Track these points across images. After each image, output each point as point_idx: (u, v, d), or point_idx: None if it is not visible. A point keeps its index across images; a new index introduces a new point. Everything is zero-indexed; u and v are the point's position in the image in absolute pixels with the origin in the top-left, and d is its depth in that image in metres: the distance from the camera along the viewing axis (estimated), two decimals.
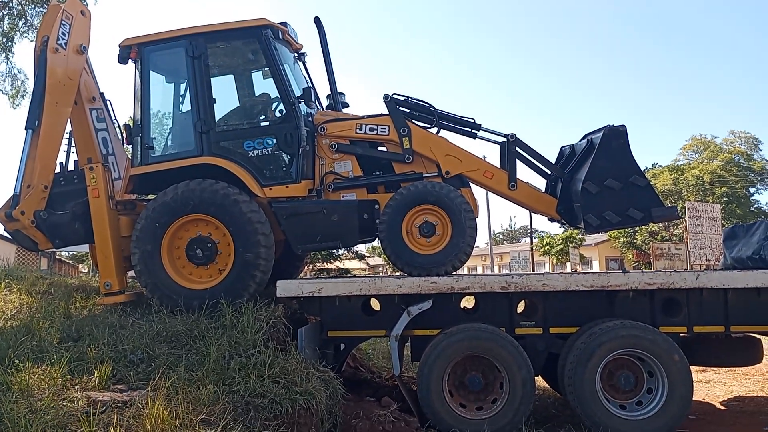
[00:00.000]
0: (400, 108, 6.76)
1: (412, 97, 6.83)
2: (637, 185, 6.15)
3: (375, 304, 6.43)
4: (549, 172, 6.91)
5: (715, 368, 8.39)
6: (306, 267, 11.36)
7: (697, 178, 42.70)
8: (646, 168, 49.63)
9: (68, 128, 7.42)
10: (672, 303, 6.04)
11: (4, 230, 7.13)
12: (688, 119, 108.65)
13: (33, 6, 16.91)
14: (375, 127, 6.73)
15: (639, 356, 5.73)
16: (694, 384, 5.81)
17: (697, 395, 7.21)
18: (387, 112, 6.73)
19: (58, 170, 7.07)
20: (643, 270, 17.16)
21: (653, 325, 5.85)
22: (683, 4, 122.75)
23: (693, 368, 5.83)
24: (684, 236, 19.65)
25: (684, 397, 5.58)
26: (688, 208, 16.93)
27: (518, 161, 6.77)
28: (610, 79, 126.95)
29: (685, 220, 17.09)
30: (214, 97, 6.57)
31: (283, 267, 7.29)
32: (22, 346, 5.01)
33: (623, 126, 6.21)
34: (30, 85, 17.21)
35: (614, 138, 6.16)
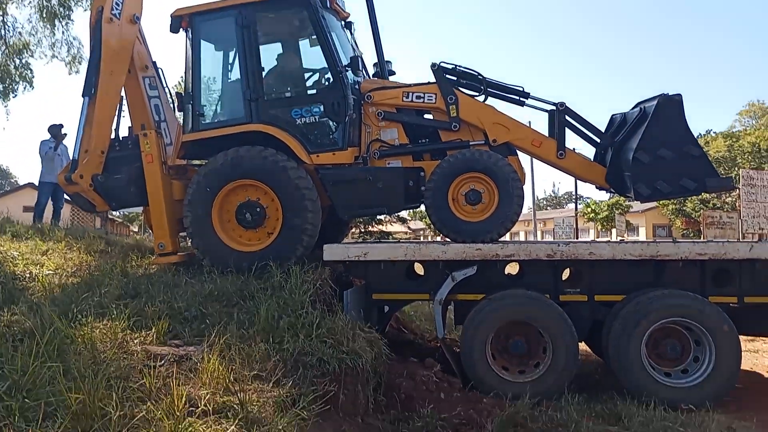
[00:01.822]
0: (448, 76, 6.71)
1: (459, 65, 6.77)
2: (692, 155, 6.00)
3: (419, 269, 6.52)
4: (599, 141, 6.78)
5: (765, 338, 8.22)
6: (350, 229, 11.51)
7: (753, 145, 40.85)
8: (700, 135, 47.73)
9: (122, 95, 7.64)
10: (723, 273, 5.95)
11: (65, 193, 7.44)
12: (746, 84, 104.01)
13: None
14: (422, 95, 6.70)
15: (687, 325, 5.69)
16: (743, 353, 5.74)
17: (745, 364, 7.09)
18: (434, 80, 6.68)
19: (112, 136, 7.32)
20: (694, 239, 16.76)
21: (702, 295, 5.77)
22: None
23: (742, 337, 5.75)
24: (736, 204, 19.02)
25: (731, 366, 5.55)
26: (743, 176, 16.32)
27: (567, 129, 6.67)
28: (664, 40, 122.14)
29: (739, 188, 16.53)
30: (262, 65, 6.65)
31: (329, 231, 7.42)
32: (83, 301, 5.24)
33: (679, 95, 6.02)
34: (84, 52, 17.70)
35: (669, 107, 5.98)
